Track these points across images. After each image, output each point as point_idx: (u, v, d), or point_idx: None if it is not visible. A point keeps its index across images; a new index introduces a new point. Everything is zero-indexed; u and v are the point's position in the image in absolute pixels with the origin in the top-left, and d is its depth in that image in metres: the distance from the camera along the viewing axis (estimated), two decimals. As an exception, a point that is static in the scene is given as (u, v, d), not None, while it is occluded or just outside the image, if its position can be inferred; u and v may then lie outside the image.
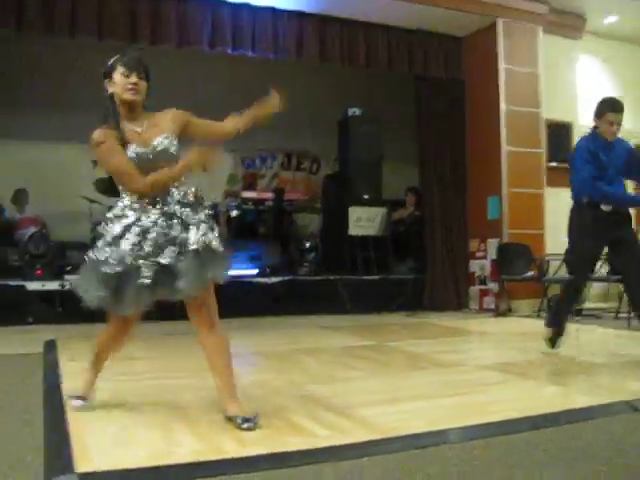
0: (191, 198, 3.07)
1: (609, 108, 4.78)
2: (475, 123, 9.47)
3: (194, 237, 2.94)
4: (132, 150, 2.99)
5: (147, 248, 2.94)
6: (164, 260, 2.92)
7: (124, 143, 2.99)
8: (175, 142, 3.10)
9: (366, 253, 9.58)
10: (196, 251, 2.92)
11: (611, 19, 9.83)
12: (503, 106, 8.96)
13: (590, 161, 4.80)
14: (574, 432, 3.00)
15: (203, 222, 3.02)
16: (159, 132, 3.07)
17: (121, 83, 3.02)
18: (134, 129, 3.05)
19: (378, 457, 2.64)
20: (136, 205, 3.02)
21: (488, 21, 9.05)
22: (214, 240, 2.99)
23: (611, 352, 5.60)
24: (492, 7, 8.86)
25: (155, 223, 2.98)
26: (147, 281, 2.90)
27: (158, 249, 2.94)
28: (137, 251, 2.93)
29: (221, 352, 3.09)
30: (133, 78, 3.02)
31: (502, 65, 8.99)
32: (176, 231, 2.97)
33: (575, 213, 5.09)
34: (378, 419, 3.24)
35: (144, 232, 2.96)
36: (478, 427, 3.06)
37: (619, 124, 4.78)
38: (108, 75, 3.06)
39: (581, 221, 5.00)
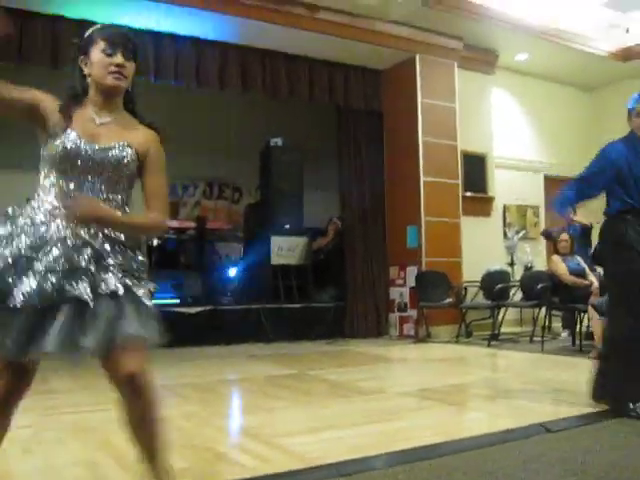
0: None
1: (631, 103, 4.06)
2: (394, 154, 9.72)
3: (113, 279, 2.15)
4: (70, 138, 2.18)
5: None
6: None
7: (64, 126, 2.19)
8: (135, 161, 2.28)
9: (288, 282, 9.64)
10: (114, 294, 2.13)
11: (522, 56, 10.28)
12: (421, 138, 9.22)
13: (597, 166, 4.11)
14: (492, 455, 3.12)
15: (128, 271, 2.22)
16: (121, 137, 2.27)
17: (101, 63, 2.23)
18: (92, 116, 2.26)
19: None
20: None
21: (406, 56, 9.34)
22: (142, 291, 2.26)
23: (527, 375, 5.80)
24: (410, 43, 9.16)
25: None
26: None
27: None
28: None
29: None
30: (118, 58, 2.23)
31: (420, 98, 9.27)
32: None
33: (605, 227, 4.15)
34: (303, 448, 3.29)
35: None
36: (401, 453, 3.15)
37: None
38: (83, 50, 2.27)
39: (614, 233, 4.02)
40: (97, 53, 2.23)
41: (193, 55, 8.40)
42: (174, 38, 8.27)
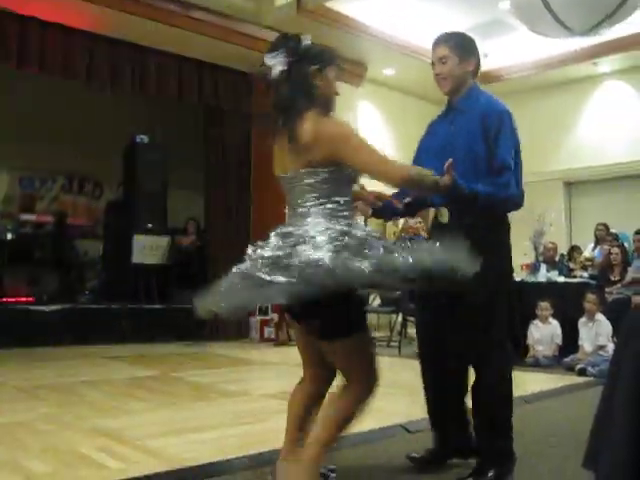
0: None
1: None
2: (262, 157, 9.77)
3: None
4: None
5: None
6: None
7: None
8: None
9: (148, 282, 9.49)
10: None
11: (389, 71, 10.64)
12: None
13: None
14: (357, 454, 3.26)
15: None
16: None
17: (332, 85, 2.49)
18: None
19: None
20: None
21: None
22: None
23: (386, 378, 5.99)
24: (280, 49, 9.24)
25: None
26: None
27: None
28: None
29: None
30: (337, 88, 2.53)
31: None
32: None
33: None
34: (169, 450, 3.28)
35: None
36: (267, 454, 3.20)
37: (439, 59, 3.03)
38: (323, 65, 2.45)
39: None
40: (332, 74, 2.47)
41: (60, 44, 8.11)
42: (40, 24, 7.94)
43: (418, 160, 3.03)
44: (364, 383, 2.46)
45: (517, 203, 2.94)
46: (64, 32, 8.13)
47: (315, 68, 2.42)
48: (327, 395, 2.61)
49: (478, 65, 3.07)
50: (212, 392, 5.14)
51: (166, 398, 4.90)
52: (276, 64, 2.41)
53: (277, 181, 2.55)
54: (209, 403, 4.73)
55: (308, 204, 2.39)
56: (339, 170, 2.36)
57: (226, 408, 4.53)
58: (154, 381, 5.68)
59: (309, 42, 2.46)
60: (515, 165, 2.89)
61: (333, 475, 2.60)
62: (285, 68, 2.39)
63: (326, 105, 2.43)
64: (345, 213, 2.39)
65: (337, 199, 2.38)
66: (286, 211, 2.52)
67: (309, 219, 2.37)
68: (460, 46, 3.02)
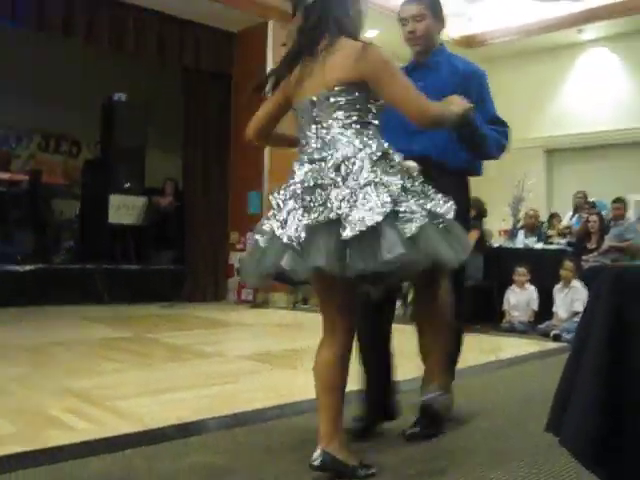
0: None
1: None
2: (241, 119, 9.60)
3: None
4: None
5: None
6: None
7: None
8: None
9: (125, 242, 9.40)
10: None
11: (372, 32, 10.48)
12: (268, 104, 9.19)
13: None
14: (310, 422, 3.24)
15: None
16: None
17: (362, 18, 2.46)
18: None
19: (144, 448, 2.66)
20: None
21: (260, 20, 9.27)
22: None
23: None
24: (264, 8, 9.08)
25: None
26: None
27: None
28: None
29: None
30: None
31: (271, 64, 9.24)
32: None
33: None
34: (139, 410, 3.25)
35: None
36: (240, 415, 3.18)
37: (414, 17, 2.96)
38: None
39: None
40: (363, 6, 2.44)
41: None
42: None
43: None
44: None
45: (500, 155, 2.99)
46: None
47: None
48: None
49: (444, 25, 3.05)
50: (187, 353, 5.11)
51: (139, 359, 4.86)
52: None
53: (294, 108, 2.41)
54: (183, 364, 4.70)
55: (338, 125, 2.26)
56: (369, 95, 2.28)
57: (200, 369, 4.50)
58: (128, 342, 5.64)
59: None
60: None
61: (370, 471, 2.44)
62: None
63: (355, 36, 2.35)
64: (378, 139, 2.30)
65: (371, 121, 2.30)
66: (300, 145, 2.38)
67: (342, 141, 2.24)
68: (433, 5, 2.97)
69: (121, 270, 8.95)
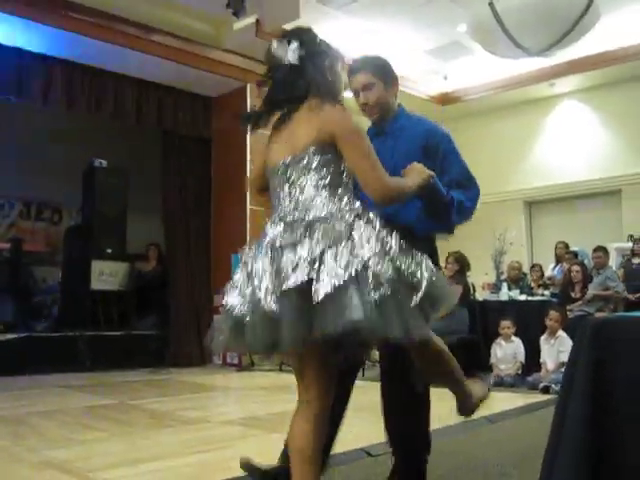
0: None
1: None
2: (221, 181, 9.72)
3: None
4: None
5: None
6: None
7: None
8: None
9: (108, 308, 9.31)
10: None
11: (348, 93, 10.65)
12: (249, 167, 9.27)
13: None
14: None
15: None
16: None
17: (341, 80, 2.46)
18: None
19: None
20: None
21: (238, 84, 9.40)
22: None
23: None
24: (242, 72, 9.21)
25: None
26: None
27: None
28: None
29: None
30: None
31: (250, 128, 9.31)
32: None
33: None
34: (122, 481, 3.17)
35: None
36: (224, 483, 3.12)
37: (363, 87, 2.86)
38: (334, 60, 2.44)
39: None
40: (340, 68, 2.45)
41: (15, 66, 7.97)
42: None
43: None
44: None
45: (470, 217, 2.86)
46: (18, 54, 8.00)
47: (327, 62, 2.38)
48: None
49: (398, 87, 2.95)
50: (170, 419, 5.01)
51: (122, 427, 4.76)
52: (288, 53, 2.32)
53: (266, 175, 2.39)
54: (168, 431, 4.60)
55: (312, 185, 2.21)
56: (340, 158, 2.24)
57: (184, 436, 4.41)
58: (111, 410, 5.53)
59: (319, 37, 2.43)
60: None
61: None
62: (296, 61, 2.32)
63: (335, 99, 2.33)
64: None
65: (346, 182, 2.25)
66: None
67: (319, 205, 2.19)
68: (382, 70, 2.87)
69: (104, 336, 8.84)
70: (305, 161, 2.21)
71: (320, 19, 8.64)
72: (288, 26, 8.40)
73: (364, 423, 4.71)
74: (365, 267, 2.04)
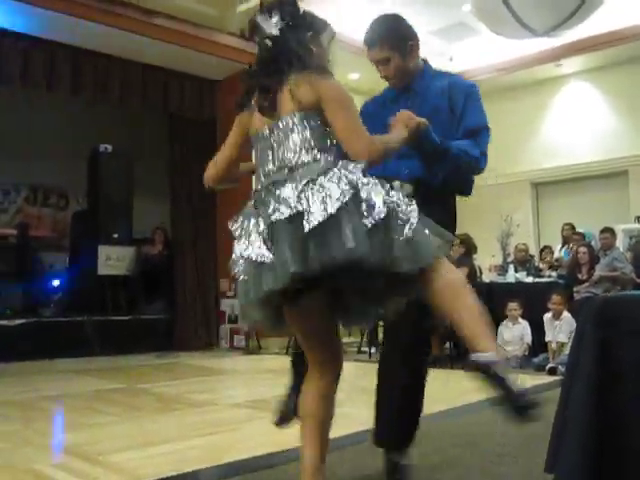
0: None
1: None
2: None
3: None
4: None
5: None
6: None
7: None
8: None
9: (115, 293, 9.35)
10: None
11: (354, 75, 10.62)
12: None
13: None
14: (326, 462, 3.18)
15: None
16: None
17: (326, 52, 2.41)
18: None
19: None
20: None
21: (242, 67, 9.34)
22: None
23: (353, 383, 5.94)
24: (246, 55, 9.15)
25: None
26: None
27: None
28: None
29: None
30: None
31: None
32: None
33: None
34: (130, 464, 3.19)
35: None
36: (233, 464, 3.13)
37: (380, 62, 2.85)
38: (318, 32, 2.39)
39: None
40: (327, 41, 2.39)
41: (19, 53, 7.95)
42: (-1, 32, 7.80)
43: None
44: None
45: (480, 167, 2.77)
46: (23, 40, 7.98)
47: (310, 34, 2.33)
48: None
49: (418, 43, 2.87)
50: (178, 403, 5.04)
51: (131, 411, 4.79)
52: (269, 26, 2.29)
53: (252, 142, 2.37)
54: (176, 414, 4.63)
55: (296, 148, 2.17)
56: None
57: (192, 419, 4.44)
58: (119, 394, 5.57)
59: (303, 8, 2.37)
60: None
61: None
62: (278, 32, 2.28)
63: (321, 70, 2.28)
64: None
65: (330, 146, 2.20)
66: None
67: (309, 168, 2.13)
68: (396, 41, 2.80)
69: (111, 321, 8.88)
70: (290, 124, 2.19)
71: (324, 1, 8.59)
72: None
73: (369, 405, 4.74)
74: (355, 195, 2.00)
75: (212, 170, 2.54)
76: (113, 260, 9.32)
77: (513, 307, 7.19)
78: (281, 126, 2.20)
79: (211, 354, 8.90)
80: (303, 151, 2.16)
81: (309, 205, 1.97)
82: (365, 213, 1.98)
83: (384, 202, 2.02)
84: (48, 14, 7.57)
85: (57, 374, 6.94)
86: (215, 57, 9.06)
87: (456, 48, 10.44)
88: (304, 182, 2.03)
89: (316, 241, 1.93)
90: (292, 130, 2.19)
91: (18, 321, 8.14)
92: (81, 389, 5.92)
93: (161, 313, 9.60)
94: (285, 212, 2.00)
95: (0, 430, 4.05)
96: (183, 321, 9.49)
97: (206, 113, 9.79)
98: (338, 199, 1.97)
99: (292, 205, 1.99)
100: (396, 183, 2.41)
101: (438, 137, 2.54)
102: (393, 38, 2.79)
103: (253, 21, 2.32)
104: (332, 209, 1.95)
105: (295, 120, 2.19)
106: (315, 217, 1.95)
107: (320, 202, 1.97)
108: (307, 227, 1.94)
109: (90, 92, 8.70)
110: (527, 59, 10.70)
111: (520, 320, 7.18)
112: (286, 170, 2.13)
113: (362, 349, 8.21)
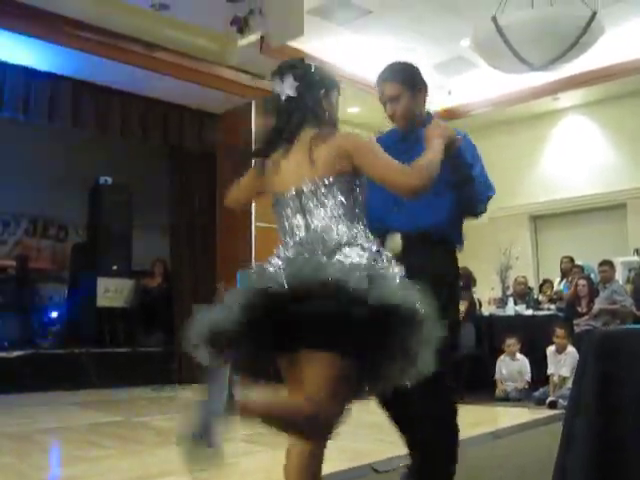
0: None
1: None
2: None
3: None
4: None
5: None
6: None
7: None
8: None
9: (113, 325, 9.33)
10: None
11: (354, 109, 10.70)
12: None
13: None
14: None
15: None
16: None
17: (336, 108, 2.51)
18: None
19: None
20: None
21: (243, 101, 9.43)
22: None
23: (354, 417, 5.91)
24: (247, 89, 9.23)
25: None
26: None
27: None
28: None
29: None
30: None
31: (255, 144, 9.33)
32: None
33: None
34: (129, 499, 3.16)
35: None
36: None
37: (391, 99, 2.91)
38: (329, 89, 2.46)
39: None
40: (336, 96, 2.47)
41: (21, 85, 8.01)
42: (1, 65, 7.84)
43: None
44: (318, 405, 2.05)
45: (484, 207, 2.87)
46: (25, 73, 8.04)
47: (323, 92, 2.41)
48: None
49: (427, 93, 2.96)
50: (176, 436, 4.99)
51: (129, 444, 4.76)
52: (284, 90, 2.37)
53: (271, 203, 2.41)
54: (173, 448, 4.54)
55: (327, 215, 2.23)
56: (355, 182, 2.27)
57: (191, 452, 4.39)
58: (117, 427, 5.53)
59: (313, 66, 2.47)
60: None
61: None
62: (294, 94, 2.36)
63: (332, 127, 2.38)
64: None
65: (357, 210, 2.27)
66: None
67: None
68: (409, 80, 2.89)
69: (109, 353, 8.84)
70: (323, 190, 2.23)
71: (324, 35, 8.70)
72: (293, 43, 8.52)
73: (369, 439, 4.72)
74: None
75: (232, 195, 2.68)
76: (112, 292, 9.32)
77: (511, 343, 7.19)
78: (313, 190, 2.24)
79: (209, 387, 8.82)
80: (334, 225, 2.20)
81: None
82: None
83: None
84: (52, 48, 7.65)
85: (54, 406, 6.89)
86: (215, 91, 9.12)
87: (454, 82, 10.53)
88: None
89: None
90: (324, 195, 2.23)
91: (16, 353, 8.08)
92: (78, 422, 5.87)
93: (159, 346, 9.55)
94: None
95: (-5, 463, 4.01)
96: (181, 354, 9.42)
97: (206, 146, 9.84)
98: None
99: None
100: (389, 239, 2.44)
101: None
102: (406, 77, 2.88)
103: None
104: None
105: (327, 185, 2.23)
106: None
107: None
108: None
109: (91, 124, 8.75)
110: (525, 93, 10.78)
111: (518, 356, 7.16)
112: (320, 247, 2.14)
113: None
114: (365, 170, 2.25)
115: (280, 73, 2.41)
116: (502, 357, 7.21)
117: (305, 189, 2.25)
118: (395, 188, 2.25)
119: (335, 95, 2.47)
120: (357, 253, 2.09)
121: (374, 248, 2.16)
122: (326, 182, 2.23)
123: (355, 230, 2.21)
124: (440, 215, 2.76)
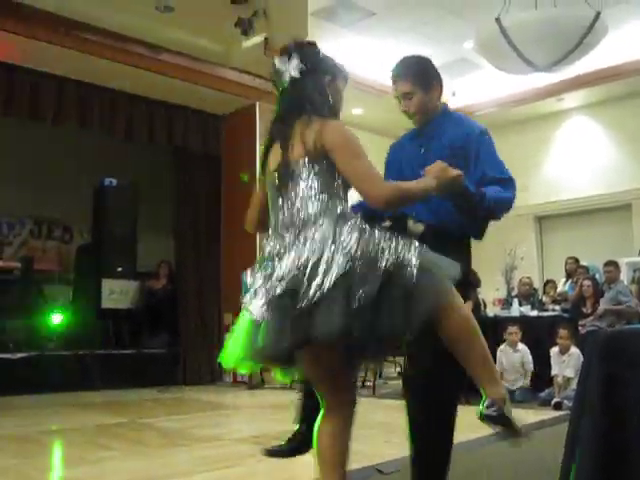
0: None
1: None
2: (231, 199, 9.73)
3: None
4: None
5: None
6: None
7: None
8: None
9: (118, 327, 9.34)
10: None
11: (358, 111, 10.72)
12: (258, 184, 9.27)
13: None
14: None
15: None
16: None
17: (341, 96, 2.49)
18: None
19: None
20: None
21: (247, 102, 9.45)
22: None
23: (360, 419, 5.91)
24: (251, 90, 9.24)
25: None
26: None
27: None
28: None
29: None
30: None
31: (259, 145, 9.36)
32: None
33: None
34: (134, 500, 3.17)
35: None
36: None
37: (404, 96, 2.88)
38: (335, 76, 2.45)
39: None
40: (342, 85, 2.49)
41: (27, 86, 8.03)
42: (8, 67, 7.88)
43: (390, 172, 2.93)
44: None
45: (510, 207, 2.85)
46: (30, 74, 8.06)
47: (329, 78, 2.40)
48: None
49: (442, 86, 2.93)
50: (182, 438, 5.00)
51: (134, 446, 4.76)
52: (289, 70, 2.35)
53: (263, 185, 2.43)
54: (180, 449, 4.60)
55: (303, 196, 2.23)
56: (334, 168, 2.24)
57: (196, 454, 4.40)
58: (122, 428, 5.53)
59: (321, 52, 2.45)
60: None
61: None
62: (298, 75, 2.34)
63: (334, 115, 2.36)
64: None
65: (337, 192, 2.24)
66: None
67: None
68: (422, 76, 2.86)
69: (114, 355, 8.85)
70: (296, 172, 2.24)
71: (328, 37, 8.71)
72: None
73: (375, 440, 4.71)
74: (349, 269, 2.04)
75: (248, 219, 2.71)
76: (117, 294, 9.31)
77: (513, 331, 7.05)
78: (288, 173, 2.25)
79: (214, 389, 8.86)
80: (309, 202, 2.20)
81: (304, 283, 2.04)
82: (355, 291, 2.00)
83: (379, 267, 2.05)
84: (57, 50, 7.67)
85: (59, 408, 6.90)
86: (220, 92, 9.14)
87: (458, 83, 10.54)
88: (303, 259, 2.09)
89: (304, 321, 2.01)
90: (299, 177, 2.23)
91: (20, 354, 8.10)
92: (83, 423, 5.88)
93: (164, 347, 9.56)
94: (280, 289, 2.10)
95: None
96: (186, 355, 9.45)
97: (211, 147, 9.85)
98: (333, 275, 2.02)
99: (289, 281, 2.08)
100: (410, 222, 2.44)
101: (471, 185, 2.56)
102: (419, 73, 2.86)
103: (274, 63, 2.38)
104: (325, 286, 2.01)
105: (301, 167, 2.23)
106: (307, 296, 2.02)
107: (314, 282, 2.03)
108: (299, 305, 2.02)
109: (96, 126, 8.77)
110: (529, 94, 10.79)
111: (519, 346, 7.07)
112: (294, 231, 2.19)
113: (366, 383, 8.14)
114: (339, 169, 2.22)
115: (288, 52, 2.38)
116: (502, 347, 7.07)
117: (281, 171, 2.27)
118: (364, 196, 2.23)
119: (342, 84, 2.46)
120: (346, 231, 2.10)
121: (364, 225, 2.15)
122: (301, 162, 2.23)
123: (331, 210, 2.19)
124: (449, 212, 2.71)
